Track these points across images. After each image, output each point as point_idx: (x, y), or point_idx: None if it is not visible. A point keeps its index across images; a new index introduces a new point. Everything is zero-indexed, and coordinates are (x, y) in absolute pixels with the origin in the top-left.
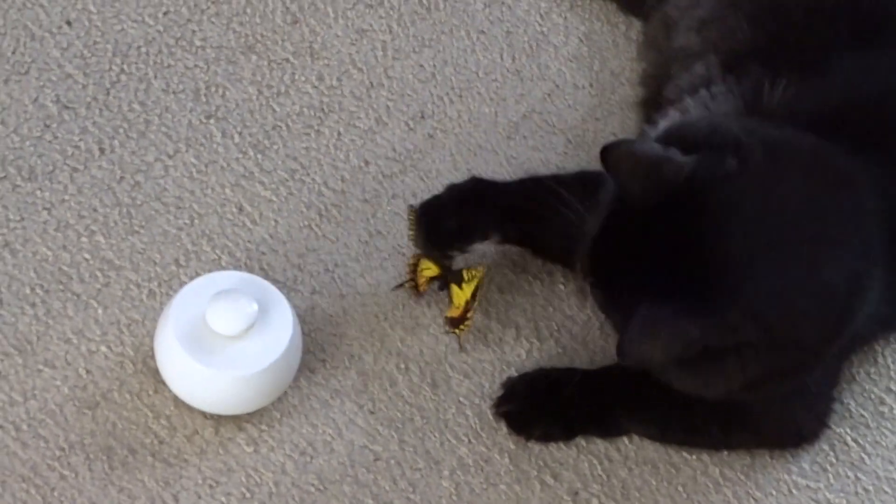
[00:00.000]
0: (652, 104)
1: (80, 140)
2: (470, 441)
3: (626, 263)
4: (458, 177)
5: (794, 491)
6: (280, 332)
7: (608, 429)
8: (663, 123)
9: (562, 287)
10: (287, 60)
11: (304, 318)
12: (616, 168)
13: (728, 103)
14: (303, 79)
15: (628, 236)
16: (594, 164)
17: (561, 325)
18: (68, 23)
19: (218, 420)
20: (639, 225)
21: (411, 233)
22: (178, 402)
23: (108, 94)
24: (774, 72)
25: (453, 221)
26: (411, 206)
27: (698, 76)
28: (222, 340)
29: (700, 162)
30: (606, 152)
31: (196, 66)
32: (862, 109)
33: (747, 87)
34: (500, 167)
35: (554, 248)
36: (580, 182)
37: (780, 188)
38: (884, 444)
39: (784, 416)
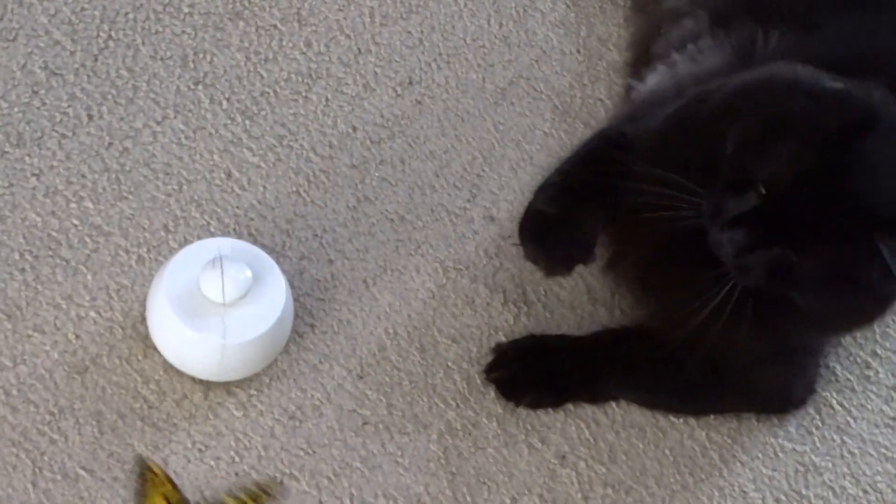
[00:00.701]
0: (639, 65)
1: (69, 106)
2: (458, 405)
3: (813, 198)
4: (446, 143)
5: (780, 454)
6: (273, 300)
7: (598, 395)
8: (652, 78)
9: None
10: (275, 27)
11: (293, 284)
12: (805, 91)
13: (717, 56)
14: (290, 45)
15: (809, 171)
16: (581, 129)
17: (548, 289)
18: None
19: (207, 385)
20: (821, 158)
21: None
22: (167, 366)
23: (96, 60)
24: (763, 27)
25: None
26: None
27: (687, 31)
28: (216, 308)
29: (868, 91)
30: (805, 86)
31: (184, 32)
32: (856, 64)
33: (736, 42)
34: (488, 133)
35: None
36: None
37: None
38: (869, 407)
39: (775, 380)
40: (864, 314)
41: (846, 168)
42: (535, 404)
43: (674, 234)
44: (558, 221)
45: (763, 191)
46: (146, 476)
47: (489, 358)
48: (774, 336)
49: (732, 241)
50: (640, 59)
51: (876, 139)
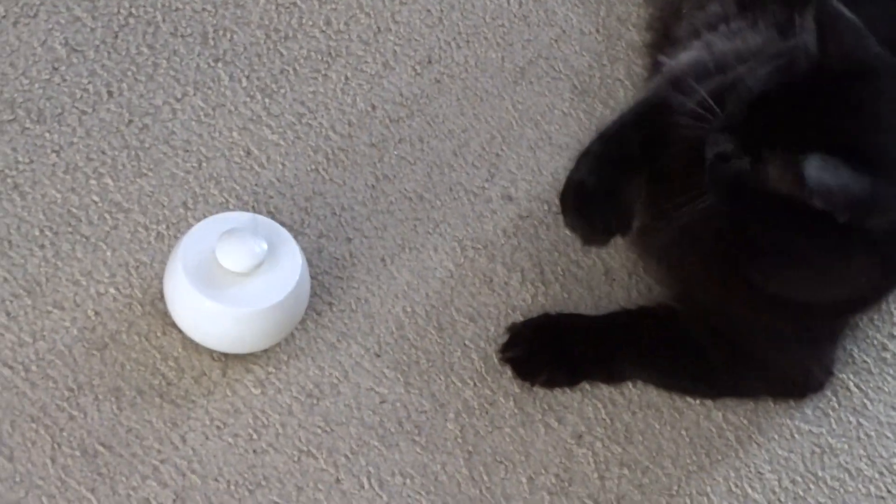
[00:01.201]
0: (658, 48)
1: (89, 83)
2: (475, 384)
3: (790, 122)
4: (464, 122)
5: (796, 436)
6: (289, 270)
7: (613, 375)
8: (686, 55)
9: (566, 232)
10: (295, 4)
11: (311, 262)
12: (829, 25)
13: (758, 36)
14: (310, 23)
15: (801, 96)
16: (600, 109)
17: (566, 269)
18: None
19: (225, 362)
20: (817, 88)
21: None
22: (186, 343)
23: (116, 37)
24: (797, 8)
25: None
26: None
27: (714, 14)
28: (232, 277)
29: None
30: (824, 5)
31: (204, 9)
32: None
33: (773, 21)
34: (507, 112)
35: None
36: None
37: None
38: (886, 389)
39: (794, 364)
40: (812, 262)
41: (832, 101)
42: (549, 384)
43: (705, 211)
44: (599, 192)
45: (748, 103)
46: None
47: (505, 337)
48: (745, 279)
49: (713, 145)
50: (659, 42)
51: (870, 86)
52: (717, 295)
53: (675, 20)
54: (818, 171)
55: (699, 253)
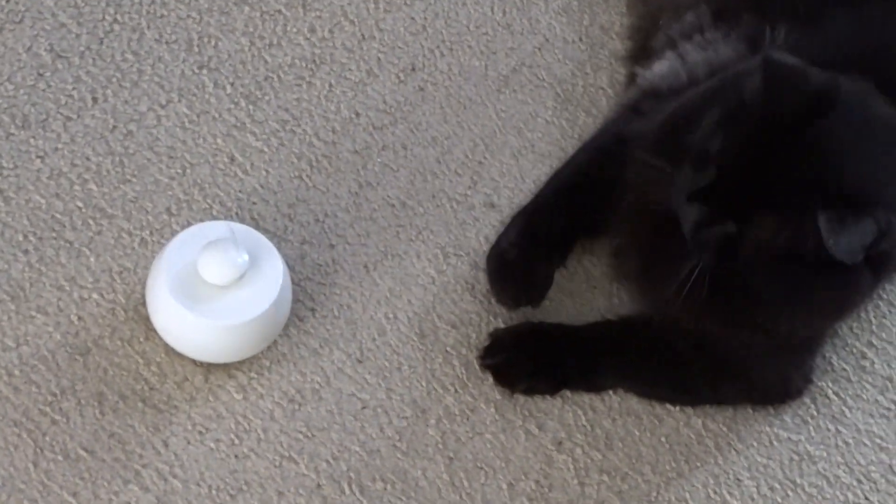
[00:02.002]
0: (638, 56)
1: (74, 89)
2: (456, 390)
3: (764, 174)
4: (448, 130)
5: (775, 443)
6: (270, 282)
7: (593, 383)
8: (658, 66)
9: None
10: (279, 12)
11: (294, 268)
12: (769, 75)
13: (729, 47)
14: (295, 30)
15: (763, 148)
16: (582, 117)
17: None
18: None
19: (208, 367)
20: (776, 137)
21: None
22: (168, 349)
23: (101, 43)
24: (769, 21)
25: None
26: None
27: (689, 24)
28: (213, 290)
29: (836, 78)
30: (769, 63)
31: (189, 16)
32: (861, 59)
33: (745, 33)
34: (490, 120)
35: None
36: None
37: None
38: (864, 397)
39: (773, 373)
40: (818, 298)
41: (795, 147)
42: (530, 391)
43: (670, 227)
44: (516, 265)
45: (716, 167)
46: None
47: (487, 343)
48: (742, 322)
49: (688, 215)
50: (639, 50)
51: (828, 122)
52: (696, 318)
53: (654, 30)
54: (833, 233)
55: (668, 278)
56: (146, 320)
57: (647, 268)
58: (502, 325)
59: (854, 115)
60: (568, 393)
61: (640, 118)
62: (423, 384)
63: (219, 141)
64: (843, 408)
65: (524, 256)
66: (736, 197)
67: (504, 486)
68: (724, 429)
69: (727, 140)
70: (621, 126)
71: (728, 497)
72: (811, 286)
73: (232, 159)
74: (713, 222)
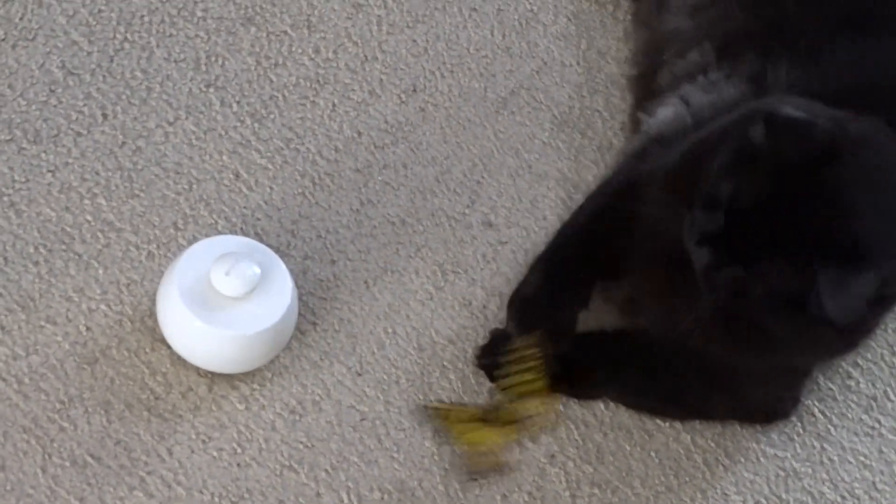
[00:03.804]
0: (644, 83)
1: (84, 105)
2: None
3: (771, 221)
4: (447, 150)
5: (761, 459)
6: (279, 295)
7: (585, 392)
8: (663, 112)
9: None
10: (285, 32)
11: (297, 283)
12: (777, 129)
13: (732, 88)
14: (300, 51)
15: (770, 196)
16: (578, 139)
17: None
18: None
19: (212, 378)
20: (782, 185)
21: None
22: (174, 359)
23: (111, 61)
24: (771, 58)
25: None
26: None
27: (693, 63)
28: (225, 301)
29: (842, 125)
30: (772, 117)
31: (197, 36)
32: (865, 95)
33: (748, 73)
34: (488, 141)
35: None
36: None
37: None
38: (849, 416)
39: (764, 394)
40: (822, 339)
41: (800, 196)
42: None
43: (684, 264)
44: (541, 309)
45: (726, 211)
46: (438, 413)
47: (486, 341)
48: (750, 354)
49: (699, 258)
50: (644, 76)
51: (834, 171)
52: (706, 347)
53: (659, 62)
54: (831, 297)
55: (689, 317)
56: (153, 331)
57: (663, 302)
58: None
59: (860, 162)
60: (560, 407)
61: (649, 162)
62: (421, 397)
63: (224, 158)
64: (829, 426)
65: (549, 301)
66: (744, 242)
67: (498, 498)
68: (713, 444)
69: (736, 186)
70: (630, 172)
71: None
72: (817, 328)
73: (237, 176)
74: (723, 265)
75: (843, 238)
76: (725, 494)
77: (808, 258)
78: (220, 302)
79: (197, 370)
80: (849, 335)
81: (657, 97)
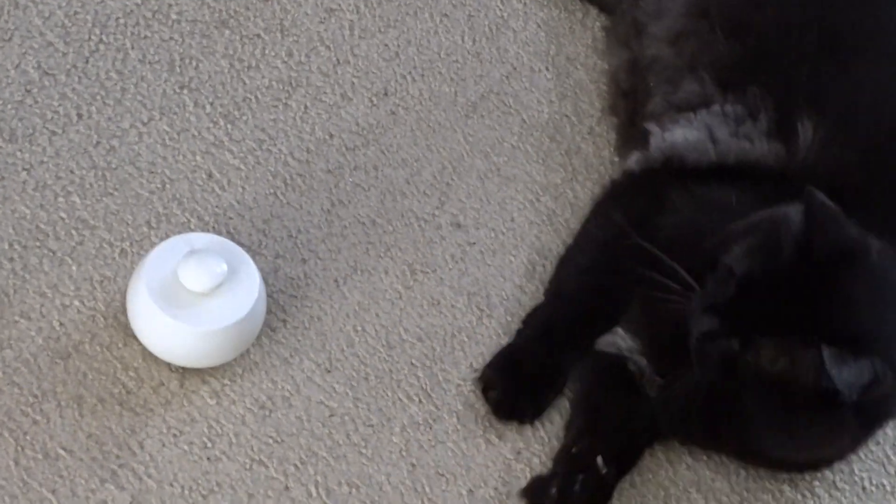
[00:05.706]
0: (633, 102)
1: (60, 105)
2: (420, 400)
3: (778, 302)
4: (417, 152)
5: (724, 458)
6: (247, 291)
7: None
8: (680, 132)
9: (511, 259)
10: (258, 36)
11: (268, 281)
12: (816, 216)
13: (762, 142)
14: (273, 54)
15: (784, 280)
16: (547, 143)
17: (510, 294)
18: None
19: (183, 373)
20: (799, 274)
21: None
22: (145, 355)
23: (87, 62)
24: (773, 95)
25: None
26: None
27: (692, 93)
28: (192, 296)
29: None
30: (812, 200)
31: (171, 38)
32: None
33: (776, 120)
34: (458, 144)
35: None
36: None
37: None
38: None
39: None
40: (804, 434)
41: (814, 287)
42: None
43: (676, 342)
44: (528, 383)
45: (737, 284)
46: None
47: (451, 356)
48: (727, 442)
49: (698, 325)
50: (627, 95)
51: (850, 273)
52: (685, 431)
53: (646, 92)
54: (836, 365)
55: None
56: (125, 327)
57: (661, 370)
58: (466, 340)
59: (875, 274)
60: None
61: (650, 200)
62: (389, 394)
63: (198, 158)
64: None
65: (545, 358)
66: (746, 317)
67: (464, 493)
68: (675, 443)
69: (754, 265)
70: (618, 215)
71: None
72: (799, 420)
73: (210, 175)
74: (719, 336)
75: (845, 332)
76: (688, 492)
77: (805, 341)
78: (188, 297)
79: (168, 365)
80: (828, 434)
81: (657, 118)
